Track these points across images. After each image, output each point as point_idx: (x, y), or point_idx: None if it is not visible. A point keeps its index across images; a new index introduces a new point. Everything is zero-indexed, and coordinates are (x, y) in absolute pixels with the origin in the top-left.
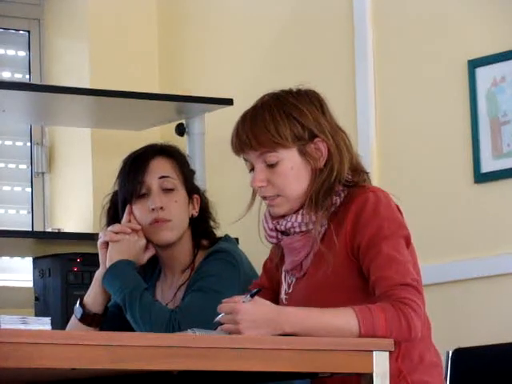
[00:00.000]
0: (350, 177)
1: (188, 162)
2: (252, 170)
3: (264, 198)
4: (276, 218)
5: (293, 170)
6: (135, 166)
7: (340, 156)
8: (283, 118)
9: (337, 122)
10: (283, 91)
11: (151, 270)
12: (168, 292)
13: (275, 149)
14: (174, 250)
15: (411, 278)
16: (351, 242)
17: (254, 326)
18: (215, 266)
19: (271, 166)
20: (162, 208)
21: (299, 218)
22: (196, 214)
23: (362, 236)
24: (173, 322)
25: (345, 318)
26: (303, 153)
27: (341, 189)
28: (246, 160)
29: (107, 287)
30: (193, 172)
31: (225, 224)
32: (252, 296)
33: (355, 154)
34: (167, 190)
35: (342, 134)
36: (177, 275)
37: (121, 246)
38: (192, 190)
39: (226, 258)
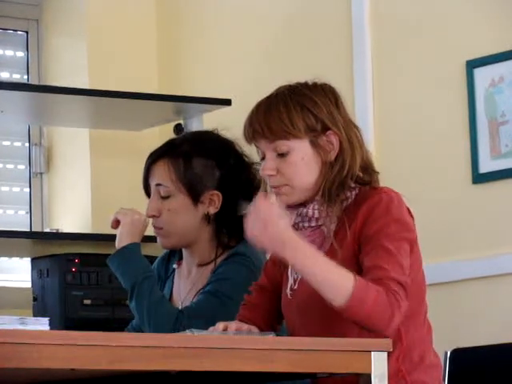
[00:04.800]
0: (361, 174)
1: (200, 160)
2: (263, 158)
3: (272, 187)
4: (285, 208)
5: (303, 161)
6: (145, 166)
7: (352, 150)
8: (297, 109)
9: (350, 118)
10: (299, 83)
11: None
12: (185, 283)
13: (287, 138)
14: (192, 249)
15: (405, 281)
16: (359, 238)
17: (262, 234)
18: (232, 269)
19: (282, 155)
20: (156, 215)
21: (310, 213)
22: (213, 211)
23: (367, 230)
24: (179, 324)
25: (342, 280)
26: (315, 145)
27: (353, 186)
28: (257, 148)
29: (115, 269)
30: (205, 170)
31: None
32: None
33: (367, 151)
34: (163, 198)
35: (355, 130)
36: (194, 269)
37: (131, 227)
38: (200, 190)
39: (244, 262)
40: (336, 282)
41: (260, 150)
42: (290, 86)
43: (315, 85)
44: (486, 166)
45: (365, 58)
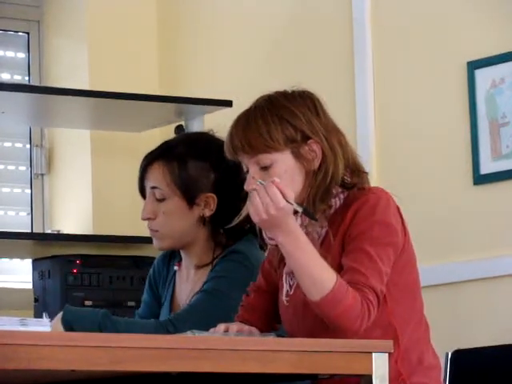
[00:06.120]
0: (348, 179)
1: (195, 163)
2: (247, 171)
3: None
4: None
5: (286, 173)
6: (140, 168)
7: (334, 157)
8: (275, 121)
9: (333, 122)
10: (277, 93)
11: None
12: (184, 284)
13: (268, 152)
14: (189, 250)
15: (381, 290)
16: (344, 239)
17: (269, 224)
18: (228, 266)
19: (265, 168)
20: (152, 218)
21: (298, 221)
22: (209, 214)
23: (352, 231)
24: (163, 329)
25: (324, 279)
26: (297, 155)
27: (340, 191)
28: (241, 162)
29: (75, 326)
30: (199, 172)
31: None
32: (304, 211)
33: (353, 153)
34: (158, 200)
35: (338, 135)
36: (192, 272)
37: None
38: (195, 193)
39: (241, 259)
40: (317, 278)
41: (243, 164)
42: (268, 97)
43: (293, 93)
44: (486, 167)
45: (366, 58)
